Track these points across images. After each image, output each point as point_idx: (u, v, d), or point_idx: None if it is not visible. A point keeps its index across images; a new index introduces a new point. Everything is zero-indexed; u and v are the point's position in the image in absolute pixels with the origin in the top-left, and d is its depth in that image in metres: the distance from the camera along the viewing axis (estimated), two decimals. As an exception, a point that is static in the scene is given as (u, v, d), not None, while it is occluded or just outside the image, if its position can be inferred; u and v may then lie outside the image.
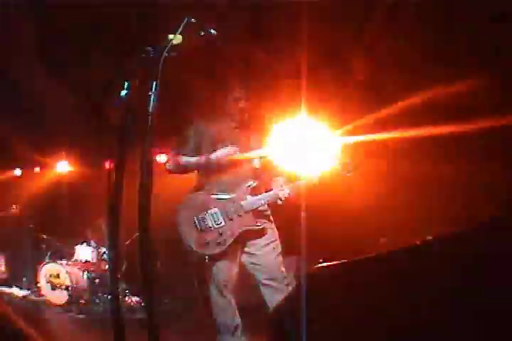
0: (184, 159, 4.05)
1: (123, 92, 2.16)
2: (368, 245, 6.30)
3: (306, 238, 3.89)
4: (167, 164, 4.23)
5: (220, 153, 3.89)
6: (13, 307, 6.09)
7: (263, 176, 4.08)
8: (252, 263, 3.94)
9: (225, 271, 3.90)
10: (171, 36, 2.47)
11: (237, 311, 3.96)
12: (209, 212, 3.89)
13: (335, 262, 1.88)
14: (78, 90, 7.27)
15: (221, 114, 4.19)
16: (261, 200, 3.88)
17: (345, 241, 6.82)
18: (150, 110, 2.06)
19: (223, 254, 3.86)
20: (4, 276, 9.00)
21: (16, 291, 8.10)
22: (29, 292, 7.99)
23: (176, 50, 2.41)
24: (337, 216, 6.67)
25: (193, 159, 4.01)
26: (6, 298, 7.40)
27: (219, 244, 3.83)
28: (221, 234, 3.83)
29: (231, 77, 4.22)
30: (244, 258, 3.97)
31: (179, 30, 2.50)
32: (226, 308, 3.93)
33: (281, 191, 3.85)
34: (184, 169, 4.15)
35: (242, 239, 3.90)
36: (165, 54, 2.30)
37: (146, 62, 2.27)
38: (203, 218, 3.91)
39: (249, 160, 4.04)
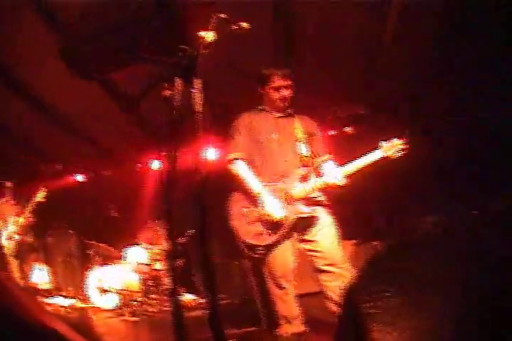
0: (235, 168, 4.11)
1: (166, 92, 2.23)
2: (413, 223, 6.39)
3: (356, 219, 3.99)
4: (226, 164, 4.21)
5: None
6: (60, 318, 6.22)
7: (312, 163, 4.13)
8: (309, 251, 3.96)
9: (281, 261, 3.92)
10: (202, 33, 2.55)
11: (295, 301, 3.98)
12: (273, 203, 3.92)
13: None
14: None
15: (263, 104, 4.30)
16: (311, 188, 3.91)
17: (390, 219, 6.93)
18: (196, 108, 2.12)
19: (277, 244, 3.89)
20: (47, 287, 9.09)
21: (60, 301, 8.18)
22: (75, 300, 8.18)
23: (210, 46, 2.49)
24: (381, 195, 6.78)
25: (244, 179, 4.04)
26: (50, 308, 7.31)
27: (271, 234, 3.88)
28: (273, 224, 3.88)
29: (268, 66, 4.28)
30: (301, 245, 3.99)
31: (211, 27, 2.58)
32: (285, 300, 3.96)
33: (330, 177, 3.90)
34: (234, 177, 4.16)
35: (296, 227, 3.93)
36: (202, 51, 2.37)
37: (184, 61, 2.33)
38: (252, 210, 3.97)
39: (297, 148, 4.11)
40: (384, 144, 3.80)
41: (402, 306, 1.78)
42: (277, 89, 4.13)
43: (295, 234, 3.97)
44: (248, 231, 3.96)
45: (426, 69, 6.69)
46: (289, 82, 4.16)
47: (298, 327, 3.94)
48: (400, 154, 3.76)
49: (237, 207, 4.10)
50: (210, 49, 2.49)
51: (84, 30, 5.79)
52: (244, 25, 2.78)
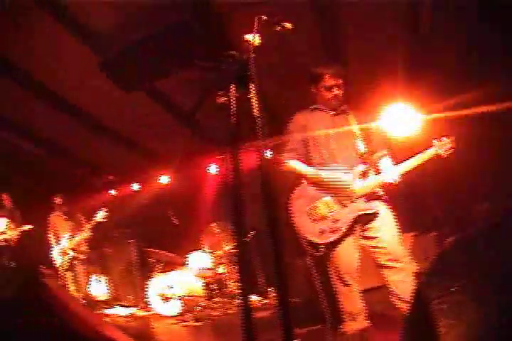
0: (291, 166, 4.21)
1: (221, 99, 2.27)
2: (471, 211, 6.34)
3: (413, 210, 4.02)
4: (281, 164, 4.30)
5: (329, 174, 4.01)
6: (119, 327, 6.28)
7: (370, 159, 4.14)
8: (372, 247, 3.97)
9: (345, 258, 3.96)
10: (248, 36, 2.58)
11: (359, 297, 4.02)
12: (321, 200, 4.01)
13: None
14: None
15: (317, 103, 4.33)
16: (372, 184, 3.95)
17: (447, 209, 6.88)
18: (255, 113, 2.17)
19: (340, 241, 3.94)
20: (105, 298, 9.33)
21: (119, 311, 8.32)
22: (136, 309, 8.31)
23: (257, 49, 2.52)
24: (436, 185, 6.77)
25: (303, 170, 4.14)
26: (108, 319, 7.39)
27: (334, 231, 3.92)
28: (335, 221, 3.93)
29: (319, 65, 4.31)
30: (363, 242, 4.02)
31: (255, 30, 2.61)
32: (350, 296, 4.00)
33: (390, 173, 3.92)
34: (294, 174, 4.25)
35: (358, 224, 3.97)
36: (252, 55, 2.40)
37: (235, 67, 2.37)
38: (316, 207, 4.03)
39: (355, 145, 4.14)
40: (436, 143, 3.87)
41: (469, 301, 1.78)
42: (329, 88, 4.17)
43: (357, 231, 4.00)
44: (311, 229, 4.01)
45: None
46: (340, 81, 4.19)
47: (361, 323, 3.98)
48: (450, 152, 3.84)
49: (298, 204, 4.16)
50: (258, 52, 2.50)
51: (122, 42, 5.93)
52: (288, 25, 2.80)
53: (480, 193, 6.68)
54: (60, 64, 6.37)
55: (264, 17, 2.72)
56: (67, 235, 8.00)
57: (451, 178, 6.80)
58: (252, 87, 2.28)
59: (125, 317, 7.68)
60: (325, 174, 4.03)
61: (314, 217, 4.03)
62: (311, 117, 4.30)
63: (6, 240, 8.32)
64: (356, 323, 3.97)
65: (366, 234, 4.00)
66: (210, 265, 8.13)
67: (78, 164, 9.69)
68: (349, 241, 3.96)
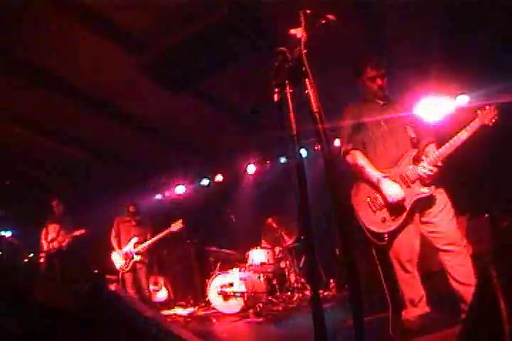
0: (351, 160, 4.28)
1: (276, 97, 2.31)
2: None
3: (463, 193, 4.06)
4: (346, 154, 4.35)
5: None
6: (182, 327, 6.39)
7: (420, 144, 4.16)
8: (430, 232, 4.01)
9: (406, 245, 4.03)
10: (292, 31, 2.57)
11: (420, 283, 4.09)
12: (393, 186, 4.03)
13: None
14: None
15: (365, 94, 4.40)
16: (423, 168, 3.95)
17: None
18: (314, 108, 2.20)
19: (401, 229, 4.01)
20: (165, 298, 9.54)
21: (179, 311, 8.42)
22: (195, 308, 8.41)
23: (304, 44, 2.49)
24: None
25: (362, 167, 4.19)
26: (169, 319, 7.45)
27: (394, 219, 3.99)
28: (396, 208, 3.99)
29: (360, 57, 4.38)
30: (422, 228, 4.06)
31: (300, 24, 2.58)
32: (411, 283, 4.06)
33: (434, 156, 3.94)
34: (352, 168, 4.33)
35: (416, 210, 4.02)
36: (303, 50, 2.39)
37: (289, 63, 2.40)
38: (375, 197, 4.10)
39: (406, 131, 4.19)
40: (479, 113, 3.87)
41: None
42: (372, 79, 4.25)
43: (417, 217, 4.04)
44: (373, 219, 4.10)
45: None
46: (382, 71, 4.25)
47: (422, 308, 4.06)
48: (494, 120, 3.83)
49: (360, 196, 4.24)
50: (306, 47, 2.47)
51: (161, 42, 6.01)
52: (331, 17, 2.75)
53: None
54: (98, 69, 6.58)
55: (308, 10, 2.66)
56: (134, 240, 8.14)
57: (498, 161, 6.80)
58: (307, 82, 2.29)
59: (185, 317, 7.74)
60: (379, 176, 4.08)
61: (375, 207, 4.10)
62: (363, 108, 4.36)
63: (57, 247, 8.58)
64: (417, 309, 4.05)
65: (424, 219, 4.04)
66: (270, 260, 8.20)
67: (130, 168, 9.91)
68: (410, 228, 4.02)
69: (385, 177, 4.04)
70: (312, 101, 2.25)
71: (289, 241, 8.48)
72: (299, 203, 2.12)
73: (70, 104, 7.14)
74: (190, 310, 8.42)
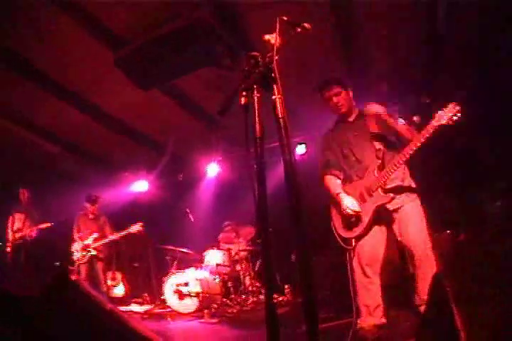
0: (324, 183, 4.62)
1: (244, 100, 2.37)
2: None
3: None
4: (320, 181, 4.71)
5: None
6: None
7: (385, 155, 4.28)
8: (397, 241, 4.22)
9: (367, 250, 4.20)
10: (267, 36, 2.62)
11: (380, 292, 4.19)
12: (347, 200, 4.29)
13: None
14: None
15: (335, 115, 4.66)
16: (385, 177, 4.12)
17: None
18: (279, 114, 2.28)
19: (364, 234, 4.21)
20: (122, 294, 9.50)
21: (135, 308, 8.51)
22: (152, 306, 8.47)
23: (278, 50, 2.54)
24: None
25: (329, 188, 4.53)
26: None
27: (358, 226, 4.22)
28: (359, 216, 4.21)
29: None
30: (391, 236, 4.25)
31: (276, 31, 2.63)
32: (368, 288, 4.19)
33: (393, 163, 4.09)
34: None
35: (384, 218, 4.22)
36: (275, 56, 2.45)
37: (260, 68, 2.45)
38: (345, 207, 4.27)
39: (372, 143, 4.34)
40: (438, 113, 3.89)
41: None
42: (329, 99, 4.48)
43: (384, 225, 4.25)
44: (342, 227, 4.37)
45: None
46: (337, 89, 4.45)
47: (379, 319, 4.15)
48: (457, 118, 3.82)
49: (335, 209, 4.52)
50: (279, 53, 2.54)
51: (139, 39, 6.06)
52: (307, 26, 2.82)
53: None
54: (76, 62, 6.60)
55: (285, 17, 2.74)
56: (94, 235, 8.12)
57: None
58: (275, 88, 2.37)
59: (141, 314, 7.79)
60: (339, 191, 4.39)
61: (343, 215, 4.32)
62: (335, 130, 4.66)
63: (22, 237, 8.51)
64: (373, 318, 4.14)
65: (394, 228, 4.21)
66: (226, 262, 8.30)
67: (92, 161, 9.89)
68: (374, 234, 4.22)
69: (339, 193, 4.38)
70: (278, 107, 2.32)
71: (245, 244, 8.58)
72: (258, 206, 2.20)
73: (39, 91, 7.08)
74: (147, 307, 8.47)
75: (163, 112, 8.11)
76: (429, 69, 7.23)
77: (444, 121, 3.83)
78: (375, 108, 4.30)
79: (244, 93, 2.42)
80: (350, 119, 4.54)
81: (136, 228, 8.01)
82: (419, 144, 3.93)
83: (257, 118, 2.35)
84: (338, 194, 4.38)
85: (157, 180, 10.71)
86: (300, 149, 9.11)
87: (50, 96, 7.26)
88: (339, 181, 4.55)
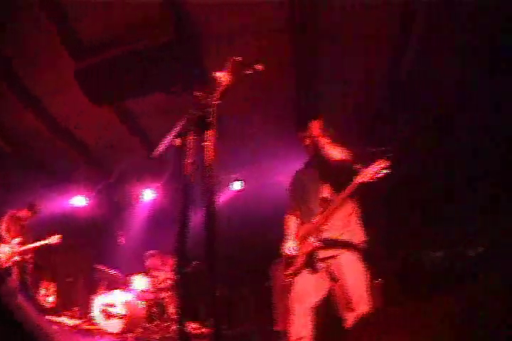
0: (285, 220, 4.92)
1: (177, 142, 2.46)
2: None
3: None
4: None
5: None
6: (64, 336, 6.47)
7: (327, 202, 4.48)
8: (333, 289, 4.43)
9: (298, 288, 4.47)
10: (218, 74, 2.73)
11: (306, 325, 4.38)
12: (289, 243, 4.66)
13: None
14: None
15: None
16: (317, 227, 4.39)
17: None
18: (207, 162, 2.40)
19: (297, 273, 4.51)
20: (53, 305, 9.34)
21: (66, 320, 8.42)
22: (81, 321, 8.41)
23: (226, 88, 2.68)
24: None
25: (285, 227, 4.84)
26: (55, 326, 7.48)
27: (293, 266, 4.53)
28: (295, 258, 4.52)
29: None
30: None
31: (227, 70, 2.75)
32: (294, 321, 4.42)
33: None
34: None
35: (316, 262, 4.43)
36: (216, 102, 2.55)
37: (199, 112, 2.53)
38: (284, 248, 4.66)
39: (318, 192, 4.56)
40: (363, 170, 4.14)
41: None
42: (301, 141, 4.75)
43: (320, 269, 4.45)
44: (284, 265, 4.66)
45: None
46: (304, 133, 4.70)
47: None
48: (381, 175, 4.06)
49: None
50: (224, 94, 2.65)
51: (103, 55, 6.16)
52: (259, 67, 2.90)
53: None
54: (44, 67, 6.70)
55: (238, 58, 2.82)
56: (17, 239, 8.05)
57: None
58: (209, 134, 2.47)
59: (71, 327, 7.89)
60: (286, 239, 4.69)
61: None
62: (304, 170, 4.92)
63: None
64: None
65: (330, 274, 4.41)
66: (152, 288, 8.33)
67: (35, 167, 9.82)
68: (307, 275, 4.44)
69: (286, 234, 4.71)
70: (206, 154, 2.42)
71: (171, 273, 8.58)
72: (178, 239, 2.32)
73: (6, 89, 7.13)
74: (76, 321, 8.44)
75: (111, 132, 8.23)
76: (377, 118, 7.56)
77: (366, 179, 4.07)
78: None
79: (180, 134, 2.52)
80: (315, 163, 4.75)
81: (53, 240, 8.03)
82: (339, 202, 4.28)
83: (187, 162, 2.44)
84: (285, 235, 4.70)
85: (96, 198, 10.62)
86: (236, 186, 9.61)
87: (12, 96, 7.26)
88: (296, 221, 4.78)
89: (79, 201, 10.42)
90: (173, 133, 2.46)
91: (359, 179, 4.10)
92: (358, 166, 4.17)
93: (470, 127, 7.04)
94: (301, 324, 4.38)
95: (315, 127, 4.61)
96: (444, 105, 7.13)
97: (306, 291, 4.42)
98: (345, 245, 4.37)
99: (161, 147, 2.56)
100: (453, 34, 6.05)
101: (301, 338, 4.33)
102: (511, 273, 2.40)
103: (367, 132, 7.83)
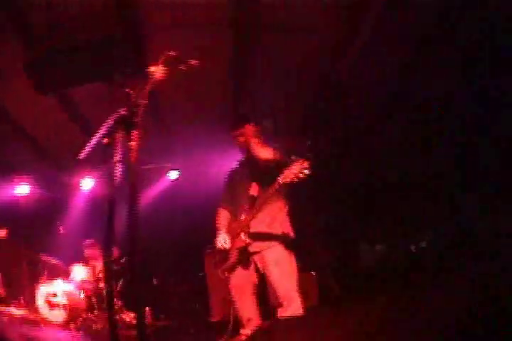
0: (217, 213, 5.19)
1: (105, 140, 2.48)
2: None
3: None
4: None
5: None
6: (14, 326, 6.49)
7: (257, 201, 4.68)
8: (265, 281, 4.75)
9: (234, 282, 4.86)
10: (152, 68, 2.76)
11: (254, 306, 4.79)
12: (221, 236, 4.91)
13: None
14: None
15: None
16: (246, 223, 4.64)
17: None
18: (131, 162, 2.44)
19: (231, 268, 4.83)
20: (2, 294, 9.36)
21: (14, 310, 8.26)
22: (27, 310, 8.26)
23: (159, 83, 2.72)
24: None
25: (216, 221, 5.12)
26: (5, 317, 7.55)
27: (227, 260, 4.84)
28: (227, 252, 4.82)
29: None
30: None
31: (160, 64, 2.78)
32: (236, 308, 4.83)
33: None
34: None
35: (247, 259, 4.74)
36: (144, 101, 2.57)
37: (127, 112, 2.54)
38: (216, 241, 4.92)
39: (248, 190, 4.78)
40: (286, 170, 4.26)
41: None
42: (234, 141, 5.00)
43: (249, 265, 4.76)
44: (219, 259, 4.93)
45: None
46: (234, 132, 4.97)
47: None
48: (302, 175, 4.17)
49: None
50: (153, 89, 2.68)
51: (52, 45, 6.16)
52: (193, 62, 2.92)
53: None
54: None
55: (172, 53, 2.84)
56: None
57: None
58: (134, 134, 2.50)
59: (18, 317, 7.79)
60: (220, 228, 4.96)
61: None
62: (237, 168, 5.20)
63: None
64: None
65: (259, 269, 4.71)
66: (91, 279, 8.39)
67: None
68: (240, 272, 4.78)
69: (218, 229, 4.98)
70: (131, 154, 2.46)
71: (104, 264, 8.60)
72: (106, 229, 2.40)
73: None
74: (22, 311, 8.28)
75: (53, 119, 8.23)
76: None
77: (288, 179, 4.19)
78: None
79: (108, 132, 2.55)
80: (247, 160, 5.00)
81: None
82: (264, 200, 4.50)
83: (116, 158, 2.48)
84: (217, 229, 4.97)
85: (38, 187, 10.51)
86: (173, 175, 9.92)
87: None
88: (229, 215, 5.05)
89: (22, 190, 10.27)
90: (101, 132, 2.52)
91: (281, 179, 4.25)
92: (284, 167, 4.29)
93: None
94: (246, 308, 4.77)
95: (247, 127, 4.86)
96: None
97: (243, 284, 4.76)
98: (272, 240, 4.62)
99: (88, 148, 2.62)
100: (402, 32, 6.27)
101: (249, 319, 4.70)
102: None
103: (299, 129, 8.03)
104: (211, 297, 7.28)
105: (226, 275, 4.84)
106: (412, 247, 7.59)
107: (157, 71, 2.77)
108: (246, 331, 4.70)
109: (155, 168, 9.50)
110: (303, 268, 6.98)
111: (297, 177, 4.13)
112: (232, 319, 4.89)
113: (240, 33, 6.17)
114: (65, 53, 6.14)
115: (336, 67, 6.83)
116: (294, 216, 4.79)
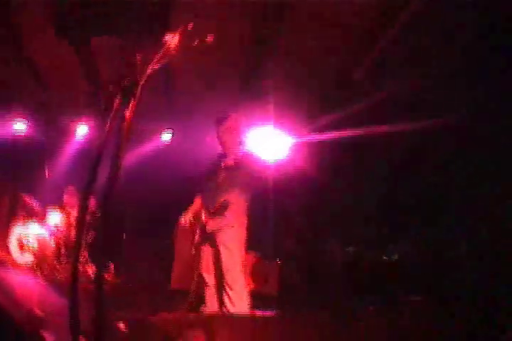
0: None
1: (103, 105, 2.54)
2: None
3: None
4: None
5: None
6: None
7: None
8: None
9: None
10: (168, 37, 2.63)
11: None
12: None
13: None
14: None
15: None
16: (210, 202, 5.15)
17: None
18: (123, 134, 2.45)
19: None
20: None
21: None
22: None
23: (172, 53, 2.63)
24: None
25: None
26: None
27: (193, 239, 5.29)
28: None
29: None
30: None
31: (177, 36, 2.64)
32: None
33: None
34: None
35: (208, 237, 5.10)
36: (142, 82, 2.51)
37: (128, 82, 2.51)
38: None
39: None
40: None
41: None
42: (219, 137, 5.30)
43: (210, 243, 5.11)
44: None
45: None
46: (219, 127, 5.25)
47: None
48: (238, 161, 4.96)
49: None
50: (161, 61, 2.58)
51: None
52: (208, 39, 2.79)
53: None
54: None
55: (190, 25, 2.69)
56: None
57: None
58: (131, 104, 2.49)
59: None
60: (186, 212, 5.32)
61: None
62: (214, 161, 5.42)
63: None
64: None
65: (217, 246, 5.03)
66: (63, 227, 8.48)
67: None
68: (204, 249, 5.14)
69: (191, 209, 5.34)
70: (124, 123, 2.48)
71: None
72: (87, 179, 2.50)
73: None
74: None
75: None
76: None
77: (229, 163, 4.97)
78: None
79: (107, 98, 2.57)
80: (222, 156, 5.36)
81: None
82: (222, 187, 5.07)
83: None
84: (189, 207, 5.32)
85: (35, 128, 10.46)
86: (166, 136, 9.97)
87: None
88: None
89: (19, 127, 10.22)
90: (101, 97, 2.56)
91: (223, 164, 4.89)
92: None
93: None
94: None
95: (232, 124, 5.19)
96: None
97: (208, 265, 5.09)
98: (224, 223, 4.95)
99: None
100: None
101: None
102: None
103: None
104: (174, 264, 7.39)
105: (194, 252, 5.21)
106: (385, 257, 7.70)
107: (172, 41, 2.66)
108: None
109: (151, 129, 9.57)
110: (268, 255, 7.27)
111: (237, 163, 4.78)
112: (193, 291, 5.24)
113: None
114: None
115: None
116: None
